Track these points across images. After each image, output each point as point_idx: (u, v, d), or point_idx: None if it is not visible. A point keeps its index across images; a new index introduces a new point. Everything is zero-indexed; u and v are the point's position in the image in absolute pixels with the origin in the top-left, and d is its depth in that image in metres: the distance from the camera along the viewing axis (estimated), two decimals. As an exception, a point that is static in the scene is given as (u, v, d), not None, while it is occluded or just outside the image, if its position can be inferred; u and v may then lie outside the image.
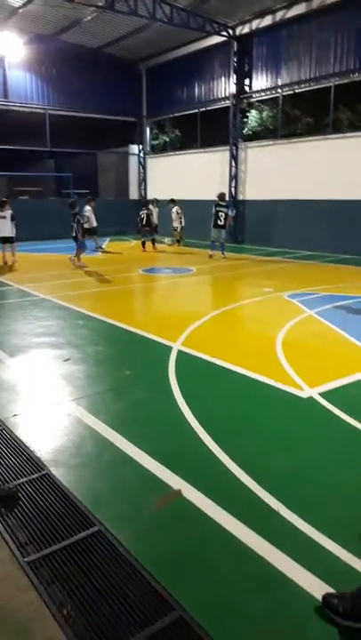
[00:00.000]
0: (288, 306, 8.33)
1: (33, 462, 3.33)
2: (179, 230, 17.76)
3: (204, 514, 2.86)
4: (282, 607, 2.24)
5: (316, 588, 2.31)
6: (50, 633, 2.07)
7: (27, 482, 3.09)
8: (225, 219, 14.36)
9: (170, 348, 5.90)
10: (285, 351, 5.80)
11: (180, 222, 17.63)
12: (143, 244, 16.59)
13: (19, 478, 3.12)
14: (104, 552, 2.52)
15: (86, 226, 14.51)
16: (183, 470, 3.27)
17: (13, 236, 13.47)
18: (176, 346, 6.01)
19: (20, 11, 16.28)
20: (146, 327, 6.87)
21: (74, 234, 12.79)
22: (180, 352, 5.78)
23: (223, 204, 14.56)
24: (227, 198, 15.09)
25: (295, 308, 8.03)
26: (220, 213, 14.28)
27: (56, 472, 3.23)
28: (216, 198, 14.65)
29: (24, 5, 15.86)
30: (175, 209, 17.62)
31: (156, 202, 18.45)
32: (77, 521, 2.75)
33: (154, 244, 16.70)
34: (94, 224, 15.76)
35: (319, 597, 2.23)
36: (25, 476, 3.16)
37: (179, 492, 3.06)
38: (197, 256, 15.10)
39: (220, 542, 2.65)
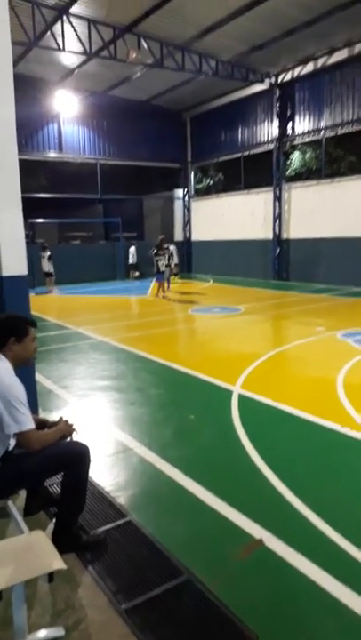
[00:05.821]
0: (343, 346, 8.30)
1: (115, 509, 3.45)
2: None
3: (288, 563, 2.88)
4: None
5: None
6: None
7: (112, 528, 3.20)
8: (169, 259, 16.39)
9: (230, 392, 5.99)
10: (348, 394, 5.78)
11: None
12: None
13: (104, 524, 3.24)
14: (195, 601, 2.59)
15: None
16: (261, 518, 3.31)
17: (51, 272, 17.59)
18: (236, 389, 6.09)
19: (76, 71, 17.48)
20: (204, 369, 6.97)
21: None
22: (240, 396, 5.85)
23: (165, 246, 16.14)
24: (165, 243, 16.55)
25: (351, 349, 7.99)
26: (166, 256, 15.93)
27: (138, 518, 3.33)
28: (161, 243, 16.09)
29: (79, 66, 17.02)
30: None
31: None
32: (165, 569, 2.82)
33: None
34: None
35: None
36: (110, 522, 3.28)
37: (260, 541, 3.10)
38: (243, 295, 15.26)
39: (308, 593, 2.66)
